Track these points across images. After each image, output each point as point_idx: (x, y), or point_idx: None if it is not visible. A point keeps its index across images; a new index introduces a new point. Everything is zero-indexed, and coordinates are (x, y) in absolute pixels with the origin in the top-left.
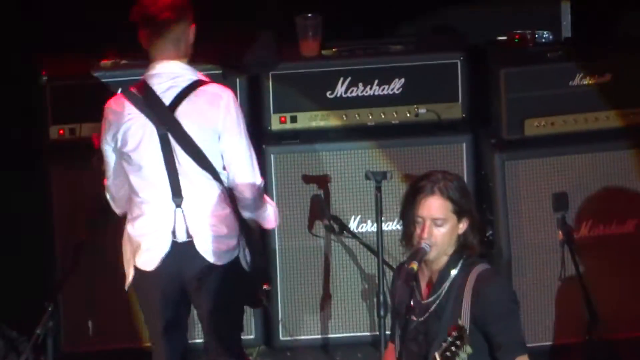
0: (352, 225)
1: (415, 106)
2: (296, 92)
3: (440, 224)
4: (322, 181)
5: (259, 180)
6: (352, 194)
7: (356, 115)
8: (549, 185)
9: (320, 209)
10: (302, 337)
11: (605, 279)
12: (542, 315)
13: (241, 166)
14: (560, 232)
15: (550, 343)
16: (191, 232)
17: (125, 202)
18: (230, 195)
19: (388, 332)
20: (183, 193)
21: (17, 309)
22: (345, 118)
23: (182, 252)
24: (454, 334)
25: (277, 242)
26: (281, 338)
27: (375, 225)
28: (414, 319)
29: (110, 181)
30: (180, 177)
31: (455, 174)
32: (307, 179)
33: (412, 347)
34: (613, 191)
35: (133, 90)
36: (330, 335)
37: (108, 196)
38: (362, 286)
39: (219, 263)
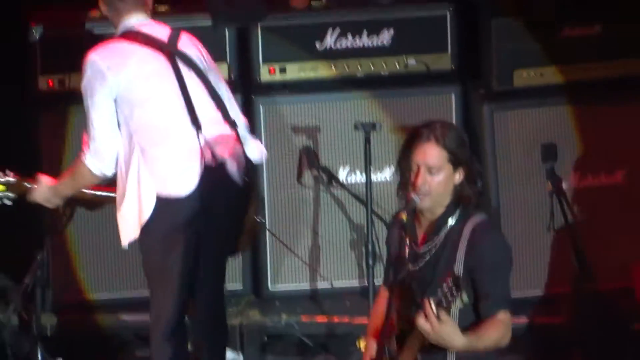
0: (341, 175)
1: (404, 57)
2: (285, 43)
3: (434, 172)
4: (311, 132)
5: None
6: (341, 144)
7: (345, 66)
8: (537, 136)
9: (309, 160)
10: (291, 287)
11: (594, 229)
12: (532, 265)
13: (233, 106)
14: (549, 183)
15: (539, 293)
16: (217, 155)
17: (118, 156)
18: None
19: (377, 281)
20: (200, 120)
21: (7, 259)
22: (334, 69)
23: (213, 175)
24: (450, 282)
25: (266, 192)
26: (270, 288)
27: (364, 175)
28: (409, 266)
29: (102, 137)
30: (194, 104)
31: (454, 125)
32: (296, 130)
33: (406, 295)
34: (602, 142)
35: (121, 37)
36: (319, 285)
37: (96, 160)
38: (350, 236)
39: (240, 184)
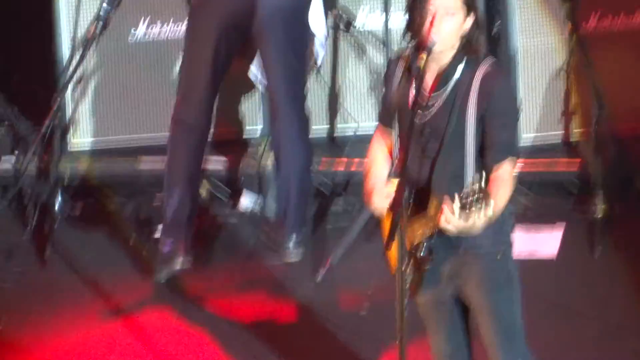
0: (360, 16)
1: None
2: None
3: (450, 15)
4: None
5: None
6: None
7: None
8: None
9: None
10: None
11: (613, 70)
12: (549, 107)
13: None
14: (569, 23)
15: (559, 136)
16: None
17: None
18: None
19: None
20: None
21: (30, 105)
22: None
23: None
24: (477, 194)
25: None
26: None
27: (383, 15)
28: (419, 112)
29: None
30: None
31: None
32: None
33: (418, 142)
34: None
35: None
36: (338, 127)
37: None
38: (369, 79)
39: None
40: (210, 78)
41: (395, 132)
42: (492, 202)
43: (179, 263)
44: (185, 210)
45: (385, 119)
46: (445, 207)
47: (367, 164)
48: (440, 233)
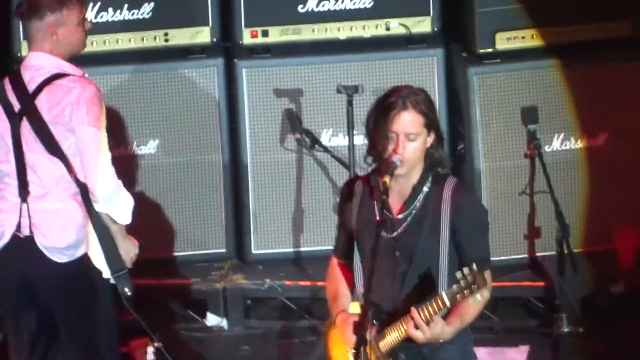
0: (324, 138)
1: (385, 20)
2: (268, 6)
3: (413, 139)
4: (294, 95)
5: (107, 176)
6: (324, 107)
7: (327, 29)
8: (519, 99)
9: (292, 123)
10: (274, 251)
11: (576, 192)
12: (513, 228)
13: (88, 160)
14: (531, 146)
15: (522, 256)
16: (32, 227)
17: None
18: (83, 190)
19: None
20: (30, 187)
21: None
22: (316, 32)
23: (24, 247)
24: (469, 278)
25: (249, 156)
26: (253, 252)
27: (346, 138)
28: (386, 235)
29: None
30: (28, 170)
31: (420, 88)
32: (279, 93)
33: (387, 264)
34: (584, 105)
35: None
36: (302, 249)
37: None
38: (333, 199)
39: (60, 261)
40: None
41: (357, 261)
42: (487, 293)
43: None
44: None
45: (341, 251)
46: (415, 313)
47: (328, 297)
48: (410, 345)
